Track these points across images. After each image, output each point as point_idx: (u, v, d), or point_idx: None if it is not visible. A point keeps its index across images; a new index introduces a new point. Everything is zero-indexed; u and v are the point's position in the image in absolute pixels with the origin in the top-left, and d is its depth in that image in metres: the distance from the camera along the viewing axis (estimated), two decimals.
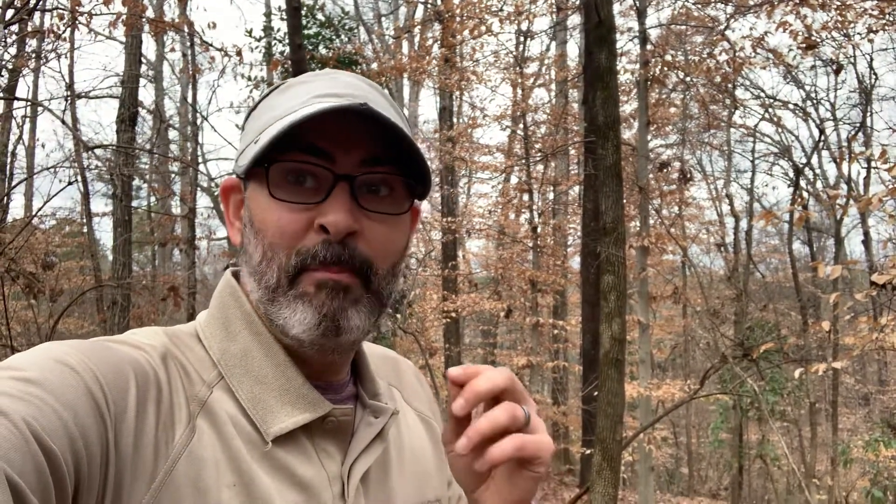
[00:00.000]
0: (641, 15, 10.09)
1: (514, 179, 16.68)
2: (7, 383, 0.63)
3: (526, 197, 15.77)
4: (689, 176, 11.93)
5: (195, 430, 0.76)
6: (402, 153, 0.81)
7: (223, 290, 0.88)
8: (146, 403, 0.74)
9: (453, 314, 14.10)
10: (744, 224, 16.60)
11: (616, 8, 8.18)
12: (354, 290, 0.81)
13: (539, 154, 14.34)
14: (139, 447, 0.71)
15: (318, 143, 0.80)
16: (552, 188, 16.27)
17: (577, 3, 9.44)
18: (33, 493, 0.56)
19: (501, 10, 10.02)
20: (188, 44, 12.61)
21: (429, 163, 1.14)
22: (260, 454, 0.78)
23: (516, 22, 11.04)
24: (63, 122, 4.41)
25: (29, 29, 5.56)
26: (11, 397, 0.61)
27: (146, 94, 15.03)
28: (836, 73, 9.48)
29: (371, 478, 0.88)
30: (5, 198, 6.52)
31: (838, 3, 7.44)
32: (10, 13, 4.56)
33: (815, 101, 15.71)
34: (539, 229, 15.17)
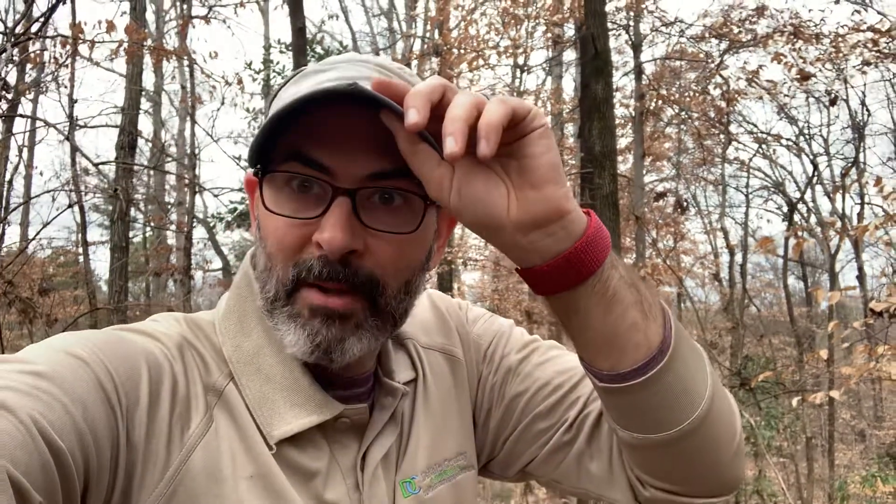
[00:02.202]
0: (636, 49, 10.25)
1: None
2: (16, 377, 0.61)
3: None
4: (685, 205, 12.00)
5: (212, 420, 0.75)
6: None
7: (241, 282, 0.85)
8: (159, 395, 0.72)
9: None
10: (738, 258, 16.64)
11: (612, 43, 8.29)
12: (355, 315, 0.75)
13: None
14: (151, 438, 0.70)
15: (314, 152, 0.72)
16: None
17: (574, 37, 9.57)
18: (39, 491, 0.55)
19: (499, 44, 10.16)
20: (187, 75, 12.71)
21: None
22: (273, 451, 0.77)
23: (513, 55, 11.18)
24: (66, 137, 4.45)
25: (31, 53, 5.61)
26: (19, 392, 0.59)
27: (145, 122, 15.10)
28: (831, 104, 9.59)
29: (390, 457, 0.86)
30: (2, 223, 6.51)
31: (832, 36, 7.56)
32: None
33: (808, 137, 15.86)
34: None
